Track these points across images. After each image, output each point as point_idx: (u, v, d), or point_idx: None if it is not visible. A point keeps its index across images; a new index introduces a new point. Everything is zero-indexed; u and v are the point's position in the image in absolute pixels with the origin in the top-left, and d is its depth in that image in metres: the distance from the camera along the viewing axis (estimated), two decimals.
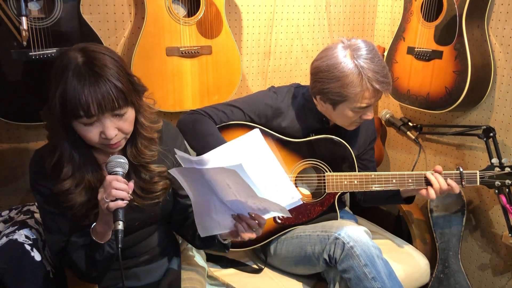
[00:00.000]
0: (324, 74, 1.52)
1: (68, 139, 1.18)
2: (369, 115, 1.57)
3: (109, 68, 1.12)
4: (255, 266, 1.76)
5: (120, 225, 1.11)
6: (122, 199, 1.12)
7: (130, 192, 1.15)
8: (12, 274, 1.25)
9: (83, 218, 1.24)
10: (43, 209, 1.30)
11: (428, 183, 1.60)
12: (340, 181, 1.63)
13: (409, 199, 1.74)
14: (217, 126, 1.63)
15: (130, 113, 1.18)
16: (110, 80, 1.11)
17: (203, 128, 1.59)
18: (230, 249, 1.68)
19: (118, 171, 1.15)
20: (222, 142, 1.58)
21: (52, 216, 1.28)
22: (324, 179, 1.64)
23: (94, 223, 1.22)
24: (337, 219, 1.68)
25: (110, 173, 1.15)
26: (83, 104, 1.09)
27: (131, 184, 1.16)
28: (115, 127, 1.16)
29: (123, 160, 1.16)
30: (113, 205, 1.11)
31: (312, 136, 1.65)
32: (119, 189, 1.11)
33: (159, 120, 1.33)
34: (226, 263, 1.75)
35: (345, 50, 1.50)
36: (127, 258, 1.38)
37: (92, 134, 1.14)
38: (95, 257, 1.24)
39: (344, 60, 1.48)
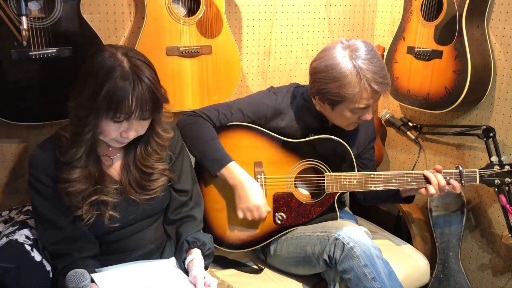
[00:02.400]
0: (322, 74, 1.51)
1: (93, 131, 1.22)
2: (368, 116, 1.57)
3: (152, 78, 1.20)
4: (255, 266, 1.76)
5: None
6: None
7: None
8: (12, 274, 1.25)
9: (77, 208, 1.27)
10: (36, 209, 1.31)
11: (427, 181, 1.60)
12: (339, 181, 1.63)
13: (409, 199, 1.74)
14: (216, 127, 1.63)
15: (150, 119, 1.27)
16: (152, 89, 1.19)
17: (202, 134, 1.59)
18: (230, 250, 1.69)
19: None
20: (220, 149, 1.58)
21: (44, 219, 1.30)
22: (324, 180, 1.64)
23: None
24: (337, 219, 1.67)
25: None
26: (128, 108, 1.16)
27: None
28: (135, 129, 1.24)
29: (79, 279, 1.13)
30: None
31: (311, 136, 1.65)
32: None
33: (170, 131, 1.39)
34: (226, 263, 1.75)
35: (344, 51, 1.50)
36: (121, 252, 1.39)
37: (115, 131, 1.22)
38: None
39: (343, 60, 1.48)
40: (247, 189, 1.55)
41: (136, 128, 1.24)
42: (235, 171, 1.56)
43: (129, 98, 1.15)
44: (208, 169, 1.59)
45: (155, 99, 1.20)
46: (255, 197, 1.55)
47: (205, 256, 1.44)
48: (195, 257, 1.40)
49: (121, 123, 1.20)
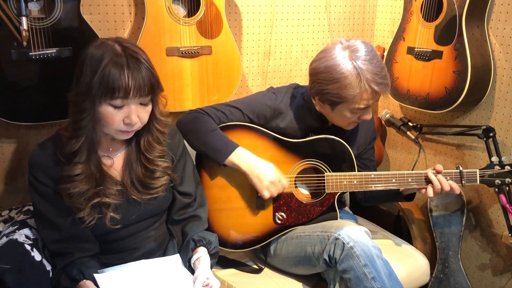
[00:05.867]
0: (322, 75, 1.52)
1: (93, 124, 1.23)
2: (368, 116, 1.58)
3: (146, 57, 1.22)
4: (255, 266, 1.76)
5: None
6: None
7: None
8: (12, 274, 1.25)
9: (79, 209, 1.27)
10: (36, 208, 1.32)
11: (428, 181, 1.60)
12: (339, 181, 1.63)
13: (410, 197, 1.74)
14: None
15: (150, 105, 1.27)
16: (148, 68, 1.21)
17: (204, 126, 1.59)
18: (230, 250, 1.69)
19: None
20: (223, 137, 1.58)
21: (44, 218, 1.30)
22: (324, 179, 1.64)
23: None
24: (337, 219, 1.67)
25: None
26: (124, 86, 1.17)
27: None
28: (137, 115, 1.23)
29: None
30: None
31: (312, 136, 1.65)
32: None
33: (168, 115, 1.40)
34: (226, 263, 1.76)
35: (343, 51, 1.50)
36: (123, 251, 1.39)
37: (118, 118, 1.21)
38: None
39: (343, 61, 1.48)
40: (261, 168, 1.55)
41: (137, 113, 1.23)
42: (244, 156, 1.56)
43: (125, 75, 1.16)
44: (215, 160, 1.57)
45: (151, 76, 1.22)
46: (271, 172, 1.56)
47: (211, 255, 1.44)
48: (201, 255, 1.40)
49: (121, 109, 1.20)
